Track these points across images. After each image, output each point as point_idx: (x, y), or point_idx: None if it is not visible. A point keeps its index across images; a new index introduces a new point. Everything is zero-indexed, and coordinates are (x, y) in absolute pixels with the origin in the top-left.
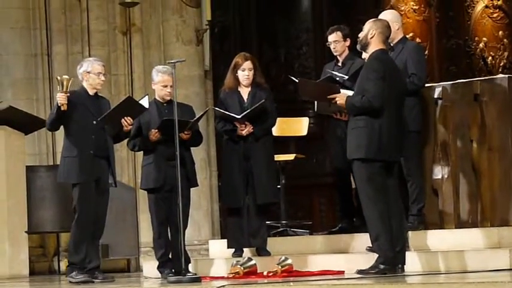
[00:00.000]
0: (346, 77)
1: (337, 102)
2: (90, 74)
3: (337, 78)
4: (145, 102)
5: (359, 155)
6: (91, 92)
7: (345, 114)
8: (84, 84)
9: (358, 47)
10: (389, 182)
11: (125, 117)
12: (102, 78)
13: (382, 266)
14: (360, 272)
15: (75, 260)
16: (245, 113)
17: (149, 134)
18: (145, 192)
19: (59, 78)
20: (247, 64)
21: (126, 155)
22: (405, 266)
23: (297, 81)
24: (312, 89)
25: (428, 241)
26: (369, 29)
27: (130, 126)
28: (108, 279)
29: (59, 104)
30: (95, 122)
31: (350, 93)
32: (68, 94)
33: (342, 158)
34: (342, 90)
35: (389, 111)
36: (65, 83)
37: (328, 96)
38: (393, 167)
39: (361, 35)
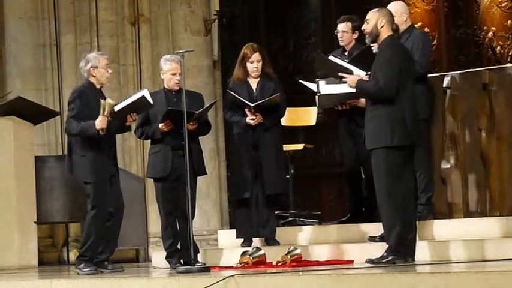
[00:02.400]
0: (347, 61)
1: (347, 82)
2: (98, 69)
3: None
4: (148, 96)
5: (383, 144)
6: (97, 87)
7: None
8: (91, 79)
9: (368, 40)
10: (408, 168)
11: (131, 114)
12: (110, 71)
13: (392, 257)
14: (369, 261)
15: (87, 254)
16: (259, 102)
17: (160, 124)
18: (153, 181)
19: (102, 102)
20: (256, 56)
21: (135, 145)
22: (415, 257)
23: (306, 84)
24: (327, 64)
25: (437, 230)
26: (377, 19)
27: (133, 122)
28: (117, 269)
29: (98, 128)
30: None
31: (362, 73)
32: (109, 119)
33: (352, 148)
34: (355, 72)
35: (406, 96)
36: (106, 108)
37: (340, 74)
38: (413, 152)
39: (366, 27)
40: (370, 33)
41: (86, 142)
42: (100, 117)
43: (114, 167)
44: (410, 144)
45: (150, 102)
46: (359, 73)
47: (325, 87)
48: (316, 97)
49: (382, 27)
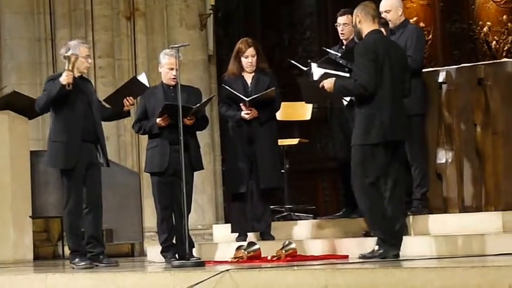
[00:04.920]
0: (339, 54)
1: (326, 87)
2: (78, 58)
3: (331, 56)
4: (144, 79)
5: (358, 141)
6: (77, 76)
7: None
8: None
9: (355, 39)
10: (392, 165)
11: (127, 97)
12: (90, 61)
13: (382, 250)
14: (362, 256)
15: (74, 247)
16: (254, 96)
17: (157, 119)
18: (149, 176)
19: (68, 55)
20: (251, 51)
21: (130, 140)
22: (400, 252)
23: (297, 64)
24: (311, 90)
25: (432, 225)
26: (355, 18)
27: (132, 106)
28: (112, 264)
29: (64, 83)
30: (82, 107)
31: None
32: (75, 75)
33: (345, 143)
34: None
35: (387, 91)
36: (72, 60)
37: (320, 85)
38: (399, 148)
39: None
40: (355, 33)
41: (61, 127)
42: (65, 72)
43: (94, 156)
44: (385, 142)
45: (144, 84)
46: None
47: (318, 70)
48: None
49: (360, 22)
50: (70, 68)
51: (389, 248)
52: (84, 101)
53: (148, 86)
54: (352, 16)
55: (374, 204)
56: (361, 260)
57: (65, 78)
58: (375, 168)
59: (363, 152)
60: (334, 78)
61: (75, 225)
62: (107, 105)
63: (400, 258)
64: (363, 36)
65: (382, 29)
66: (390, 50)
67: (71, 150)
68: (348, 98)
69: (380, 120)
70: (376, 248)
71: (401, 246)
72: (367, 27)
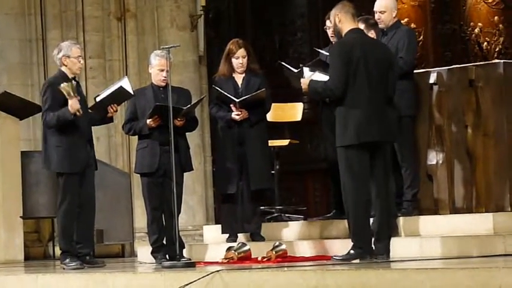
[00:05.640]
0: (327, 53)
1: (302, 85)
2: (70, 59)
3: (322, 57)
4: (127, 85)
5: (338, 142)
6: (70, 77)
7: None
8: (63, 69)
9: (336, 39)
10: (376, 166)
11: (112, 105)
12: (82, 61)
13: (354, 251)
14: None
15: (65, 247)
16: (244, 97)
17: (147, 120)
18: (139, 177)
19: (62, 86)
20: (241, 52)
21: (121, 141)
22: (390, 255)
23: (288, 66)
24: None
25: (423, 227)
26: (334, 17)
27: (115, 113)
28: (99, 264)
29: (73, 112)
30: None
31: (317, 77)
32: (79, 98)
33: (333, 143)
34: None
35: (364, 92)
36: (71, 90)
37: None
38: (380, 150)
39: (331, 29)
40: (334, 33)
41: (60, 132)
42: (70, 101)
43: (89, 158)
44: (359, 143)
45: (129, 92)
46: (314, 77)
47: (309, 74)
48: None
49: (340, 22)
50: (73, 95)
51: (364, 253)
52: (81, 104)
53: (133, 94)
54: None
55: (359, 210)
56: (356, 262)
57: (72, 108)
58: (358, 169)
59: (342, 154)
60: (310, 79)
61: (68, 226)
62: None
63: (391, 260)
64: (343, 35)
65: (363, 28)
66: (368, 50)
67: (77, 154)
68: None
69: (354, 122)
70: (350, 251)
71: (384, 248)
72: (347, 26)
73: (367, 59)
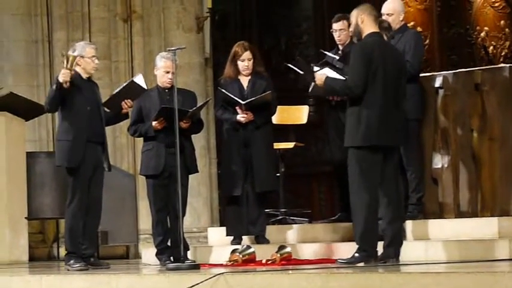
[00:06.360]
0: (336, 57)
1: (316, 80)
2: (84, 59)
3: (328, 59)
4: (141, 81)
5: (350, 143)
6: (84, 77)
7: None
8: (78, 69)
9: (354, 39)
10: (387, 170)
11: (125, 100)
12: (96, 61)
13: (359, 254)
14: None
15: (72, 248)
16: (250, 99)
17: (153, 122)
18: (144, 178)
19: (64, 53)
20: (247, 54)
21: (126, 142)
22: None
23: (294, 68)
24: (305, 68)
25: (428, 230)
26: (356, 17)
27: (130, 109)
28: (103, 266)
29: (61, 81)
30: (89, 108)
31: (331, 74)
32: (73, 72)
33: (340, 146)
34: (323, 71)
35: (379, 95)
36: (70, 60)
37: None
38: (391, 153)
39: (351, 27)
40: (354, 32)
41: (66, 127)
42: (63, 70)
43: (100, 158)
44: (370, 146)
45: (141, 87)
46: (327, 73)
47: (319, 70)
48: (312, 84)
49: (362, 23)
50: (68, 67)
51: (369, 257)
52: (91, 103)
53: (146, 88)
54: (347, 21)
55: (366, 213)
56: (361, 265)
57: (61, 76)
58: (369, 171)
59: (352, 154)
60: (326, 75)
61: (76, 227)
62: (106, 109)
63: (396, 263)
64: (363, 37)
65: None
66: (387, 55)
67: (75, 149)
68: (338, 98)
69: (368, 123)
70: (356, 254)
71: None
72: (368, 28)
73: (386, 63)
